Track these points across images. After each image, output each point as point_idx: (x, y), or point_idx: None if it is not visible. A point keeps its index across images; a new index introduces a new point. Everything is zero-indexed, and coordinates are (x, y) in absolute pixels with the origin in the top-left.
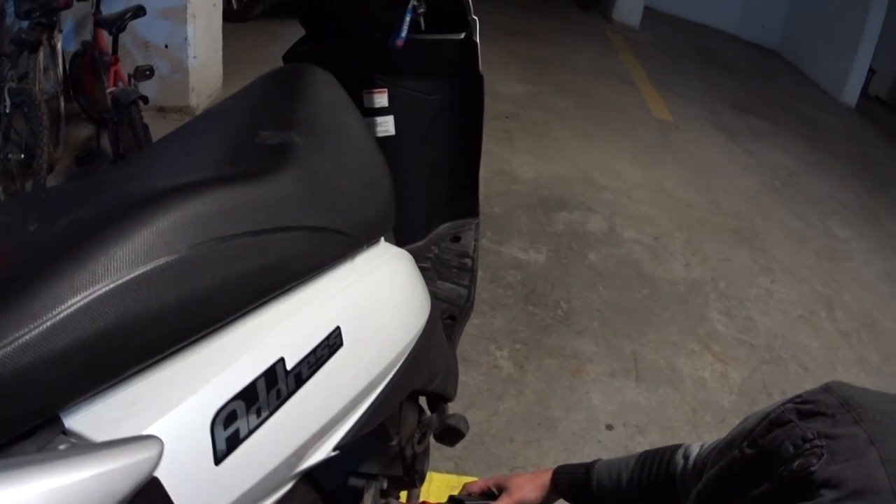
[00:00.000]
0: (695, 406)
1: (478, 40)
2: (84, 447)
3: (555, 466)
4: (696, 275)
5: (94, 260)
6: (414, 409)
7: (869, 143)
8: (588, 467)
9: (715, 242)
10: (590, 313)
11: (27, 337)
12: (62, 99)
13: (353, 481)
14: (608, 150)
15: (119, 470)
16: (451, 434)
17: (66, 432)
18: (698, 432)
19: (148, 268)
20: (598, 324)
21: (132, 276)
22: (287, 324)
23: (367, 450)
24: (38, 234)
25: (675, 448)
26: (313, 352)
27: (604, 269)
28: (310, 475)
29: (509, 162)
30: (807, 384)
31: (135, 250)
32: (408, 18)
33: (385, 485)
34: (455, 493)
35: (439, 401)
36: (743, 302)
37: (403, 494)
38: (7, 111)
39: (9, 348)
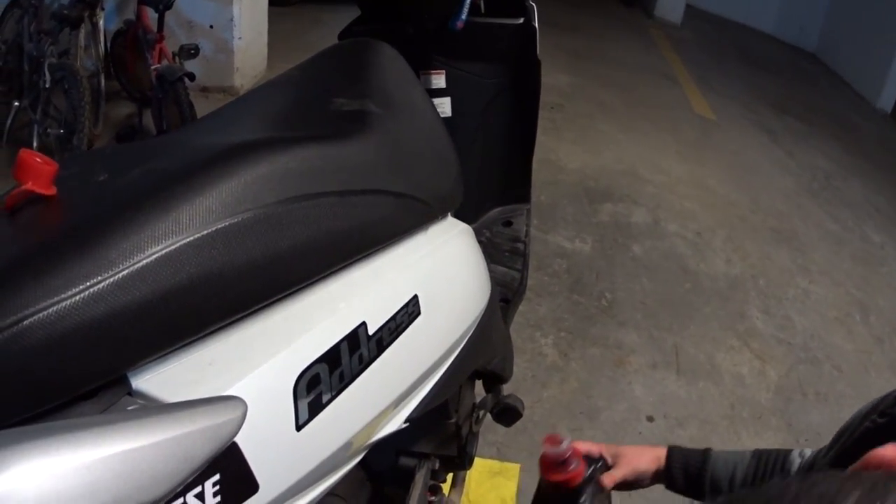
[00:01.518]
0: (733, 402)
1: (536, 25)
2: (161, 407)
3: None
4: (737, 272)
5: (178, 208)
6: (471, 388)
7: None
8: (704, 454)
9: (755, 241)
10: (633, 305)
11: (101, 286)
12: (102, 77)
13: (405, 461)
14: (652, 145)
15: (199, 432)
16: (509, 413)
17: (132, 393)
18: (735, 428)
19: (235, 220)
20: (641, 316)
21: (218, 227)
22: (369, 288)
23: (423, 428)
24: (109, 184)
25: (790, 450)
26: (394, 318)
27: (647, 262)
28: None
29: (555, 151)
30: (840, 386)
31: (223, 201)
32: (468, 1)
33: (437, 465)
34: (504, 477)
35: (495, 382)
36: (781, 301)
37: (449, 478)
38: (47, 86)
39: (78, 297)
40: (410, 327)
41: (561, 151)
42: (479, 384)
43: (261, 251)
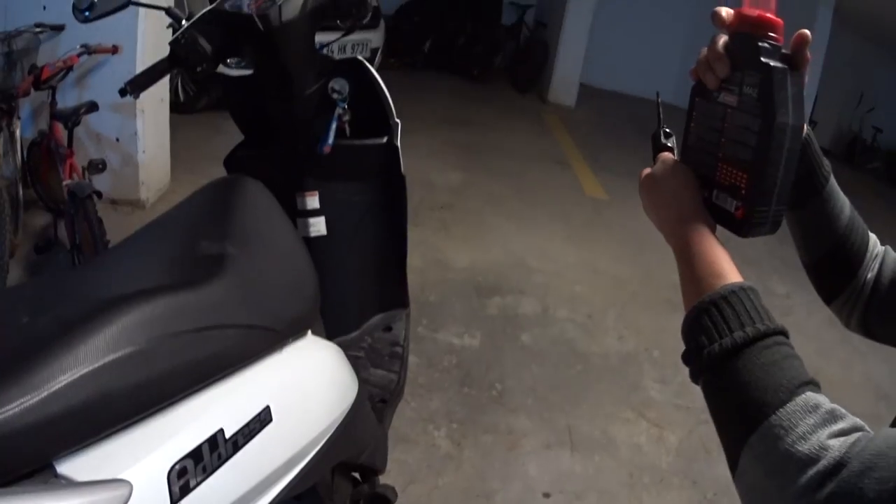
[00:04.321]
0: (631, 470)
1: (398, 144)
2: (69, 484)
3: None
4: (630, 347)
5: (78, 348)
6: (347, 480)
7: None
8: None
9: (649, 314)
10: (524, 391)
11: (30, 402)
12: (20, 185)
13: None
14: (542, 233)
15: (97, 502)
16: (379, 501)
17: (57, 475)
18: (636, 493)
19: (117, 355)
20: (532, 401)
21: (106, 360)
22: (226, 402)
23: None
24: (31, 326)
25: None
26: (247, 425)
27: (537, 350)
28: None
29: (444, 251)
30: None
31: (107, 341)
32: (333, 126)
33: None
34: None
35: (370, 473)
36: (678, 368)
37: None
38: None
39: (16, 410)
40: (262, 432)
41: (450, 251)
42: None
43: (138, 376)
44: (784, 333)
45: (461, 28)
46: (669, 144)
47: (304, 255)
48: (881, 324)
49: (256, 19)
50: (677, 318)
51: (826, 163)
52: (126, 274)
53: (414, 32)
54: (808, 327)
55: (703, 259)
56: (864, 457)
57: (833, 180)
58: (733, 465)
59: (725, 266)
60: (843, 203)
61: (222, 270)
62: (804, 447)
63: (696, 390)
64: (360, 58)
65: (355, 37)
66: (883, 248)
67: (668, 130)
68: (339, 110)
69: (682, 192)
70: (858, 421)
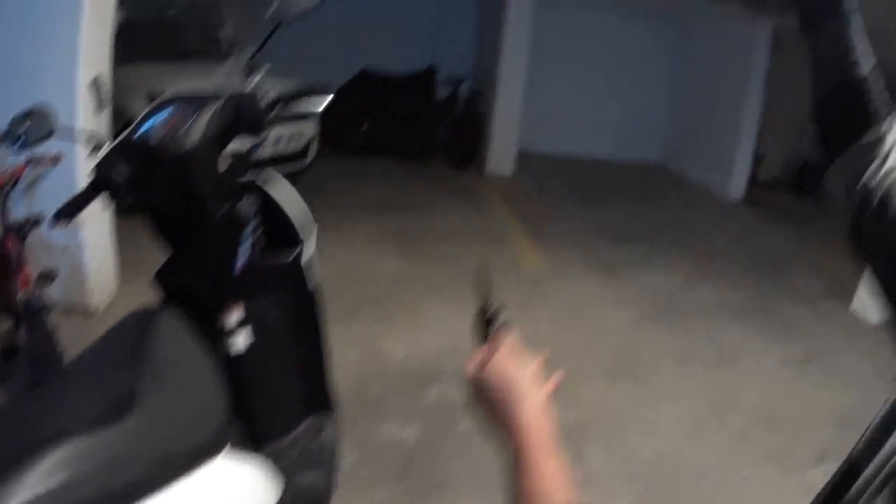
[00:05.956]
0: None
1: (303, 262)
2: None
3: None
4: (570, 422)
5: (8, 485)
6: None
7: (758, 231)
8: None
9: (590, 386)
10: (465, 477)
11: None
12: None
13: None
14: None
15: None
16: None
17: None
18: None
19: (45, 488)
20: (474, 485)
21: (32, 493)
22: None
23: None
24: None
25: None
26: None
27: (475, 434)
28: None
29: (383, 344)
30: (705, 488)
31: (34, 478)
32: (244, 246)
33: None
34: None
35: None
36: (624, 435)
37: None
38: None
39: None
40: None
41: (388, 343)
42: None
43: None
44: None
45: (397, 108)
46: (502, 321)
47: (214, 381)
48: (873, 231)
49: (160, 150)
50: (621, 385)
51: None
52: (49, 414)
53: (350, 116)
54: (761, 372)
55: (543, 470)
56: None
57: (859, 20)
58: None
59: (563, 482)
60: (869, 56)
61: (133, 407)
62: None
63: (644, 454)
64: (257, 182)
65: (289, 129)
66: None
67: (497, 304)
68: (249, 229)
69: (535, 389)
70: None
